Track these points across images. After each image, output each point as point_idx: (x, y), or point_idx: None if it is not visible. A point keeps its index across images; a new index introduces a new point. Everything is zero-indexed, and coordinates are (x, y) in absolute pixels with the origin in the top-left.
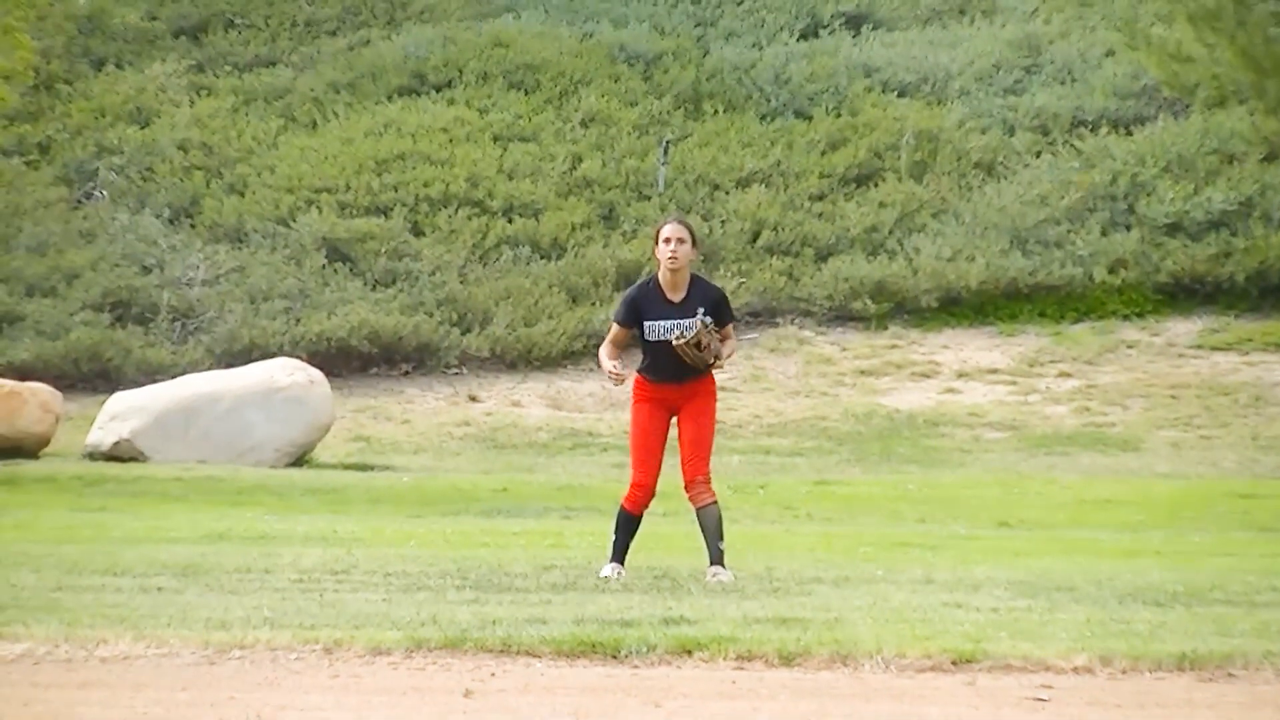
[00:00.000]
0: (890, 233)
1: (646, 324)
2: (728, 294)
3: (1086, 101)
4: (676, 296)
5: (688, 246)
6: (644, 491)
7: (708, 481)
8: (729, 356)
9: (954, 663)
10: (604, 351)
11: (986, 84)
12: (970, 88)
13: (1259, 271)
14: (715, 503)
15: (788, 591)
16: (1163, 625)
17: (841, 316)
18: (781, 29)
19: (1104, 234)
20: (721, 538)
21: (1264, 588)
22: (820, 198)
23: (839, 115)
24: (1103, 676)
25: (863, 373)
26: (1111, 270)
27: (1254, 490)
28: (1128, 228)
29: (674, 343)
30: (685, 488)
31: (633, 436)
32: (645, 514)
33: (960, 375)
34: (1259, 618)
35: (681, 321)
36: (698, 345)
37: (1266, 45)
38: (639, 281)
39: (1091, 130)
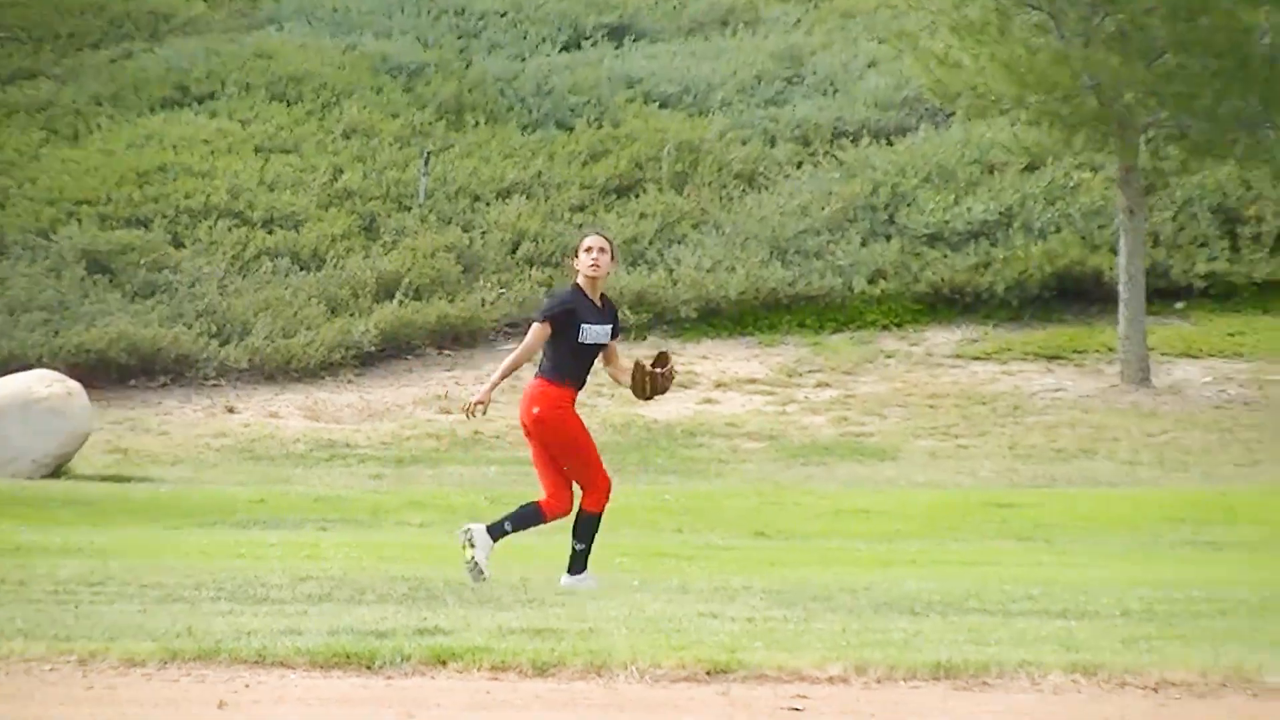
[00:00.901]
0: (651, 243)
1: (584, 326)
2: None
3: (848, 112)
4: (598, 303)
5: (608, 257)
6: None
7: None
8: None
9: (709, 673)
10: (507, 364)
11: (748, 95)
12: (732, 99)
13: (1018, 282)
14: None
15: (543, 602)
16: (918, 634)
17: None
18: (544, 40)
19: (864, 244)
20: (578, 551)
21: (1020, 596)
22: (581, 209)
23: (600, 126)
24: (858, 686)
25: (621, 383)
26: (871, 280)
27: (1011, 500)
28: (888, 238)
29: (653, 369)
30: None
31: (588, 445)
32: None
33: (719, 385)
34: (1015, 627)
35: (604, 328)
36: (666, 372)
37: (1028, 57)
38: (563, 289)
39: (853, 141)
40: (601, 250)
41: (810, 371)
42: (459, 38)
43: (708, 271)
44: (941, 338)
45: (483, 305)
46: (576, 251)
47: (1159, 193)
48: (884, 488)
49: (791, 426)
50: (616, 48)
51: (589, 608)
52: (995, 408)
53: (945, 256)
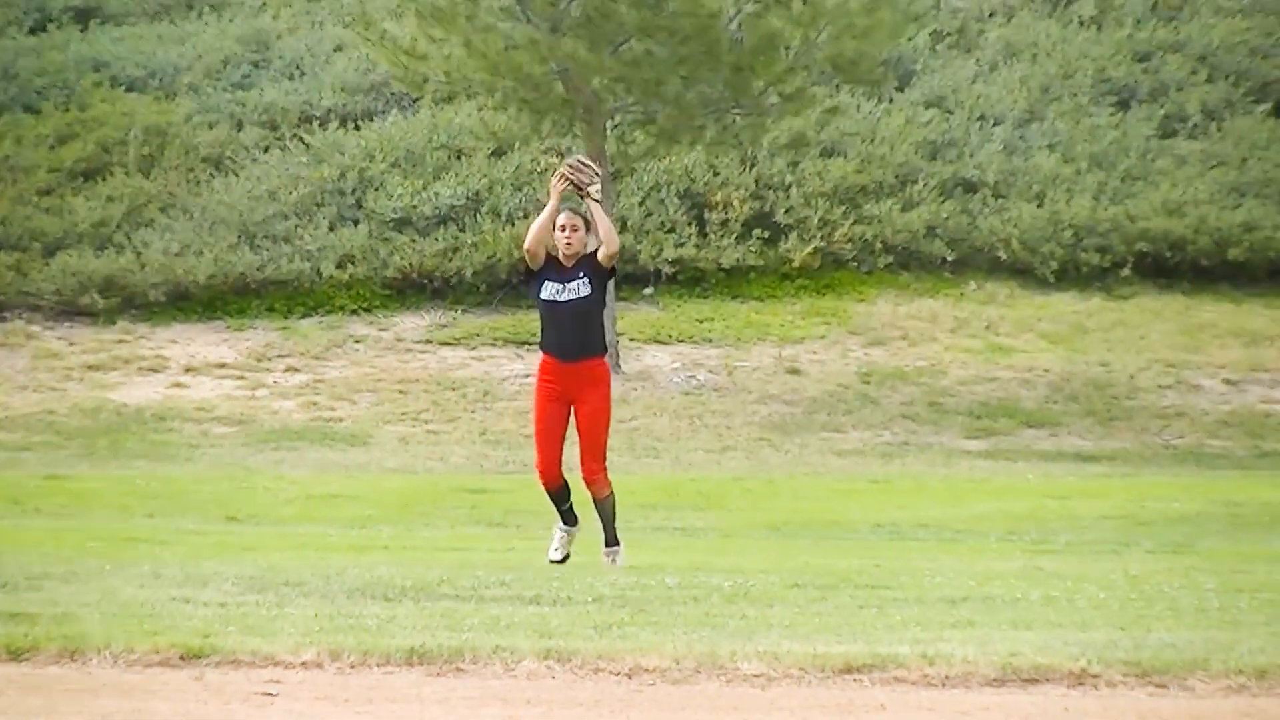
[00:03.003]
0: (118, 227)
1: (546, 282)
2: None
3: (315, 97)
4: (569, 265)
5: (581, 234)
6: (545, 473)
7: (602, 474)
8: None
9: (182, 657)
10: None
11: (215, 79)
12: (199, 83)
13: (487, 266)
14: (610, 494)
15: (16, 587)
16: (392, 620)
17: (69, 311)
18: (10, 23)
19: (332, 229)
20: (614, 519)
21: (492, 582)
22: (48, 192)
23: (68, 110)
24: (331, 671)
25: (91, 367)
26: (340, 265)
27: (482, 485)
28: (356, 223)
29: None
30: (583, 479)
31: (535, 423)
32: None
33: (188, 370)
34: (488, 612)
35: (569, 284)
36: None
37: (496, 43)
38: None
39: (320, 125)
40: (574, 229)
41: (280, 356)
42: None
43: (176, 255)
44: (411, 323)
45: None
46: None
47: (627, 178)
48: (355, 473)
49: (262, 411)
50: (83, 30)
51: (62, 592)
52: (466, 393)
53: (414, 241)
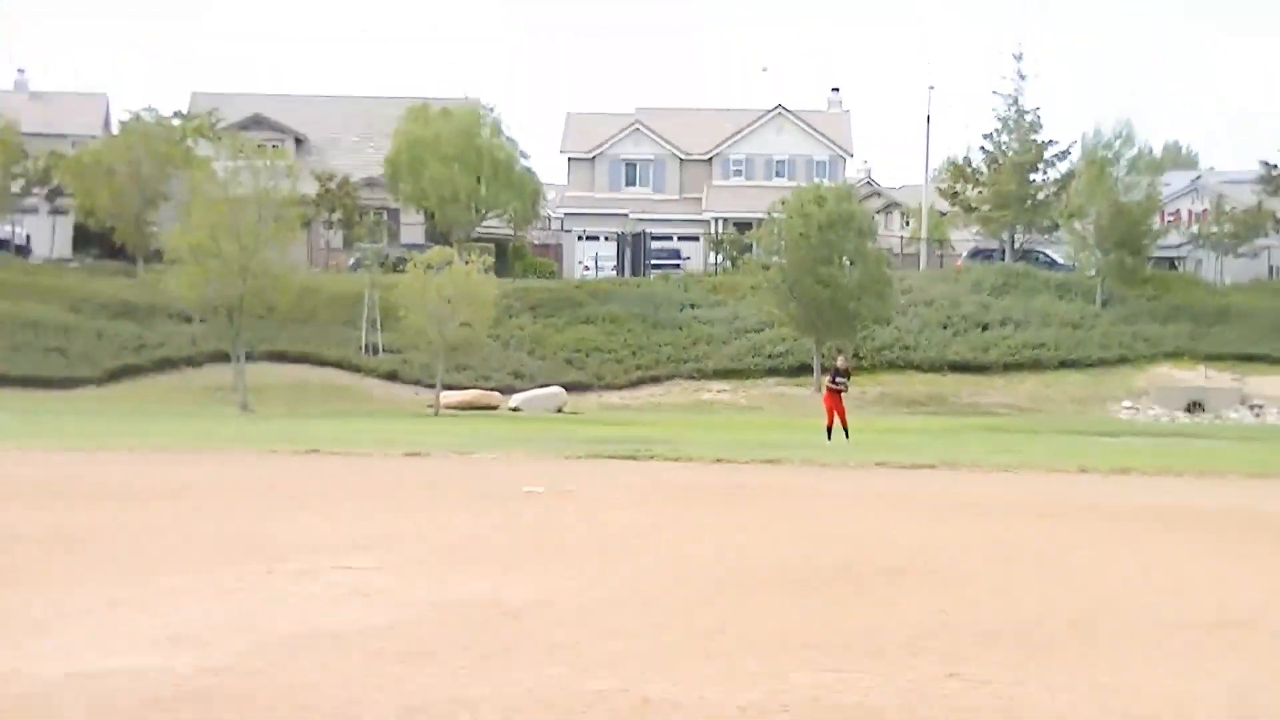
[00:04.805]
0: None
1: (838, 378)
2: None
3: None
4: (841, 368)
5: (852, 361)
6: (830, 428)
7: (844, 422)
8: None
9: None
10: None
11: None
12: None
13: (772, 367)
14: (846, 425)
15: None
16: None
17: (692, 376)
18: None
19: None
20: (846, 432)
21: (786, 443)
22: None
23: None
24: None
25: (692, 392)
26: (724, 376)
27: (789, 423)
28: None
29: (838, 384)
30: (840, 423)
31: (826, 410)
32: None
33: (709, 391)
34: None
35: (841, 379)
36: (843, 382)
37: (782, 311)
38: (835, 363)
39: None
40: (846, 359)
41: (722, 392)
42: None
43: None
44: (760, 387)
45: None
46: (838, 355)
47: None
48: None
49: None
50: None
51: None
52: (781, 400)
53: (759, 361)
